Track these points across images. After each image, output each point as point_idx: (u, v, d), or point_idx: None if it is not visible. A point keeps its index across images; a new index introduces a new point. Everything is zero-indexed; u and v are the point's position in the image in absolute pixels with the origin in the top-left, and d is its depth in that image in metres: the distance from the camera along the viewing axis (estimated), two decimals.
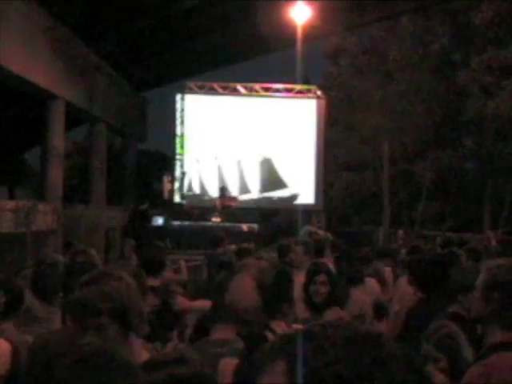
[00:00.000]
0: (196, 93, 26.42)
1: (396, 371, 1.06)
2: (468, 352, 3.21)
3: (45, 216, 16.77)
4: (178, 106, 26.46)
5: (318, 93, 26.75)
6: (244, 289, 2.60)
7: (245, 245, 8.43)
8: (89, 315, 2.50)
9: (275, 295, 2.77)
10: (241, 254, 7.50)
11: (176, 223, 22.33)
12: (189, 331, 4.02)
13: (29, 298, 4.20)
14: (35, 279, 4.69)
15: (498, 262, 2.94)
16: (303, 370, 1.05)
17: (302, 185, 26.47)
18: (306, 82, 27.54)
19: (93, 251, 5.96)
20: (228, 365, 2.60)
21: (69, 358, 1.81)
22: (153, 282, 5.25)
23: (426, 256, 6.53)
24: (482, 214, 31.52)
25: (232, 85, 26.65)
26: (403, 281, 6.33)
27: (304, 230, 9.28)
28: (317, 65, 35.48)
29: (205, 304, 4.56)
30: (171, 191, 25.96)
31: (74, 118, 21.60)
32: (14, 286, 3.63)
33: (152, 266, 5.50)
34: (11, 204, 15.73)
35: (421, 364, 1.11)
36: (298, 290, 4.34)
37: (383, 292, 6.86)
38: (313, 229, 9.74)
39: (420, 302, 5.08)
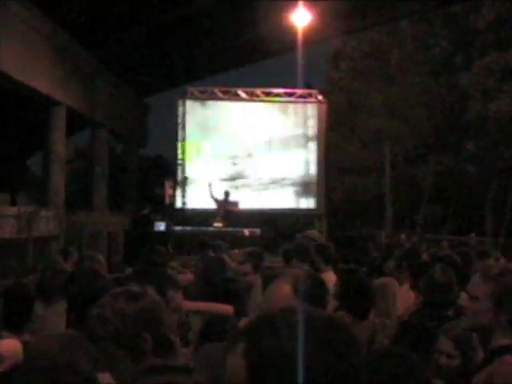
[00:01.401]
0: (197, 98, 26.42)
1: (346, 352, 1.22)
2: (480, 355, 3.20)
3: (47, 222, 16.77)
4: (180, 111, 26.45)
5: (319, 97, 26.74)
6: (281, 294, 2.59)
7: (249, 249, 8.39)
8: (90, 338, 2.41)
9: (310, 302, 2.76)
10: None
11: (178, 228, 22.31)
12: (192, 335, 3.99)
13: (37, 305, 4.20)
14: (41, 285, 4.69)
15: (499, 268, 2.93)
16: (260, 350, 1.21)
17: (303, 189, 26.45)
18: (307, 86, 27.54)
19: (100, 257, 5.98)
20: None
21: (23, 367, 1.80)
22: None
23: (428, 260, 6.51)
24: (484, 218, 31.51)
25: (233, 90, 26.65)
26: (404, 286, 6.31)
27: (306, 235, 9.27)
28: (318, 69, 35.48)
29: (210, 306, 4.55)
30: (173, 196, 25.94)
31: (76, 123, 21.62)
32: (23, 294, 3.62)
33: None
34: (13, 210, 15.72)
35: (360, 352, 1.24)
36: None
37: None
38: (310, 234, 9.70)
39: (423, 307, 5.06)
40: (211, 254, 9.56)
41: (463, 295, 4.73)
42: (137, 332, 2.30)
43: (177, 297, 2.97)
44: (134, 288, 2.52)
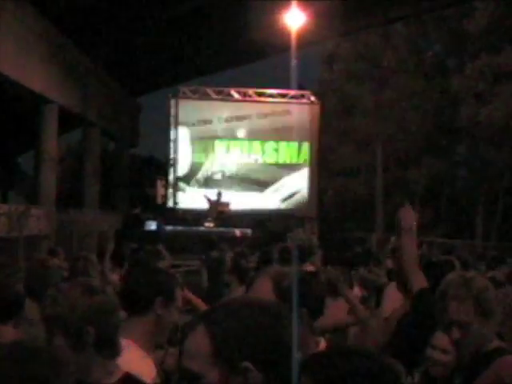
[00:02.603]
0: (189, 98, 26.39)
1: (277, 333, 1.50)
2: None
3: (37, 220, 16.73)
4: (172, 110, 26.42)
5: (312, 98, 26.76)
6: (261, 290, 2.62)
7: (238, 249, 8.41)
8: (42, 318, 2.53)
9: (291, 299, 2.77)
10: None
11: (169, 228, 22.30)
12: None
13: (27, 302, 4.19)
14: (29, 281, 4.68)
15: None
16: (218, 332, 1.49)
17: (295, 190, 26.46)
18: (300, 87, 27.55)
19: (93, 257, 5.97)
20: None
21: None
22: None
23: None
24: (475, 222, 31.60)
25: (226, 90, 26.63)
26: (392, 287, 6.27)
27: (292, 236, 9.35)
28: (311, 71, 35.51)
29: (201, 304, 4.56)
30: (164, 196, 25.93)
31: (68, 122, 21.57)
32: (11, 290, 3.61)
33: None
34: (4, 208, 15.70)
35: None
36: None
37: None
38: (299, 234, 9.79)
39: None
40: (215, 253, 9.64)
41: None
42: (82, 323, 2.38)
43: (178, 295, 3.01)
44: (95, 283, 2.64)
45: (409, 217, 4.05)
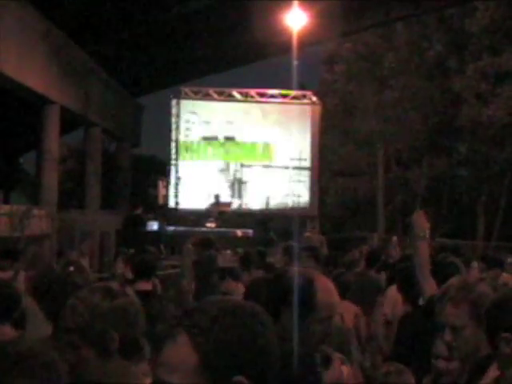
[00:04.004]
0: (191, 98, 26.41)
1: (267, 341, 1.41)
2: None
3: (39, 220, 16.75)
4: (174, 110, 26.43)
5: (313, 99, 26.76)
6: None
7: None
8: (61, 330, 2.42)
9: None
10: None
11: (170, 228, 22.32)
12: None
13: (28, 301, 4.20)
14: (36, 284, 4.69)
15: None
16: (204, 342, 1.36)
17: (296, 190, 26.46)
18: (301, 88, 27.55)
19: (83, 262, 6.00)
20: None
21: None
22: (145, 286, 5.46)
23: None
24: (476, 221, 31.60)
25: (227, 90, 26.65)
26: (393, 289, 6.27)
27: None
28: (312, 71, 35.54)
29: None
30: (166, 196, 25.94)
31: (69, 122, 21.60)
32: (7, 290, 3.62)
33: (144, 270, 5.59)
34: (6, 208, 15.71)
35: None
36: None
37: None
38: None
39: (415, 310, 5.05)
40: (213, 252, 9.67)
41: None
42: (105, 329, 2.30)
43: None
44: (115, 286, 2.52)
45: (422, 222, 4.06)
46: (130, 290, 2.58)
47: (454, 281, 2.98)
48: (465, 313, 2.79)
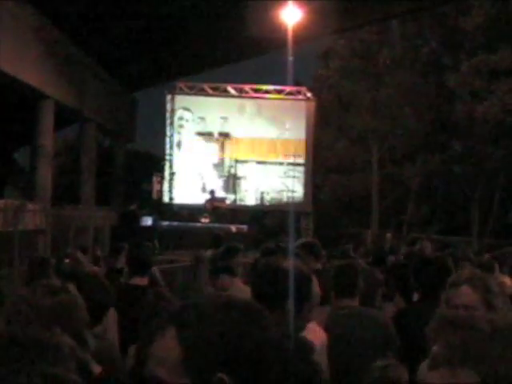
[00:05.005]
0: (186, 93, 26.41)
1: (256, 339, 1.35)
2: None
3: (33, 215, 16.73)
4: (168, 106, 26.42)
5: (308, 94, 26.79)
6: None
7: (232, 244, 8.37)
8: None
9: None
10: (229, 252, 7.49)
11: (165, 224, 22.33)
12: None
13: None
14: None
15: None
16: (188, 336, 1.33)
17: (290, 186, 26.48)
18: (296, 84, 27.57)
19: (78, 254, 6.00)
20: None
21: None
22: (141, 281, 5.41)
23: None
24: (470, 218, 31.66)
25: (222, 86, 26.66)
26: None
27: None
28: (307, 67, 35.47)
29: None
30: (160, 192, 25.95)
31: (64, 117, 21.57)
32: None
33: (139, 265, 5.58)
34: (0, 203, 15.69)
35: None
36: None
37: None
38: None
39: (410, 307, 5.08)
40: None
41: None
42: (48, 325, 2.34)
43: None
44: (56, 283, 2.63)
45: None
46: (71, 287, 2.67)
47: (467, 271, 3.12)
48: (478, 295, 2.88)
